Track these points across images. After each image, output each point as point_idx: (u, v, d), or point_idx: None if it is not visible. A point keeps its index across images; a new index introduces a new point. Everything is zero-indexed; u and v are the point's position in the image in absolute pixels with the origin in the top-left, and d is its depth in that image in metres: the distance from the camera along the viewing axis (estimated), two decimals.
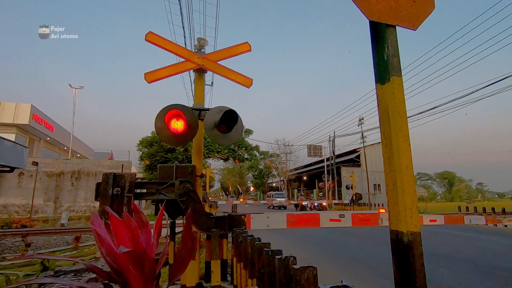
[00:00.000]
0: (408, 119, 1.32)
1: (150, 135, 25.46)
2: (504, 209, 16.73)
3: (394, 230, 1.19)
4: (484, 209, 17.33)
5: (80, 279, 4.66)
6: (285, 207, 29.60)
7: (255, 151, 29.64)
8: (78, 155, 34.98)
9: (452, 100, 19.96)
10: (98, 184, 2.96)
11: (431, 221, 5.47)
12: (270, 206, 30.43)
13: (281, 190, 44.88)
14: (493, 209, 16.81)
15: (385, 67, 1.29)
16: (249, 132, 28.82)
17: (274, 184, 56.89)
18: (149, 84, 4.12)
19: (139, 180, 3.20)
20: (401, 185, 1.18)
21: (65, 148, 30.47)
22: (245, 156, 28.60)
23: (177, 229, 4.47)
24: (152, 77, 3.99)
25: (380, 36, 1.32)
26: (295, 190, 45.41)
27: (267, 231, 5.29)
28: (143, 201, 23.40)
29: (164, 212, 1.84)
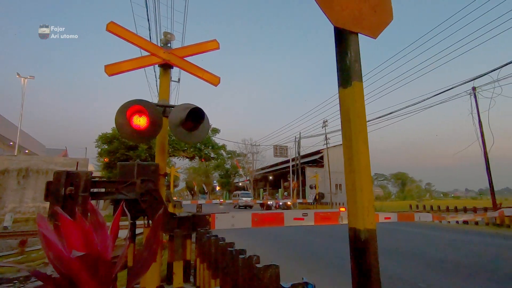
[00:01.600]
0: (367, 122, 1.39)
1: (111, 131, 24.00)
2: (448, 207, 18.46)
3: (352, 227, 1.24)
4: (431, 207, 18.97)
5: (23, 287, 4.25)
6: (251, 207, 29.75)
7: (222, 151, 29.34)
8: (27, 151, 31.89)
9: (407, 107, 21.65)
10: (48, 183, 2.72)
11: (386, 218, 5.87)
12: (236, 206, 30.44)
13: (247, 190, 45.05)
14: (439, 207, 18.50)
15: (347, 72, 1.34)
16: (216, 131, 28.46)
17: (240, 184, 56.91)
18: (110, 78, 3.88)
19: (96, 179, 3.00)
20: (359, 185, 1.25)
21: (11, 143, 27.58)
22: (212, 155, 28.18)
23: (137, 230, 4.28)
24: (113, 70, 3.76)
25: (344, 42, 1.38)
26: (261, 190, 45.86)
27: (232, 231, 5.28)
28: (101, 202, 22.01)
29: (126, 211, 1.74)
